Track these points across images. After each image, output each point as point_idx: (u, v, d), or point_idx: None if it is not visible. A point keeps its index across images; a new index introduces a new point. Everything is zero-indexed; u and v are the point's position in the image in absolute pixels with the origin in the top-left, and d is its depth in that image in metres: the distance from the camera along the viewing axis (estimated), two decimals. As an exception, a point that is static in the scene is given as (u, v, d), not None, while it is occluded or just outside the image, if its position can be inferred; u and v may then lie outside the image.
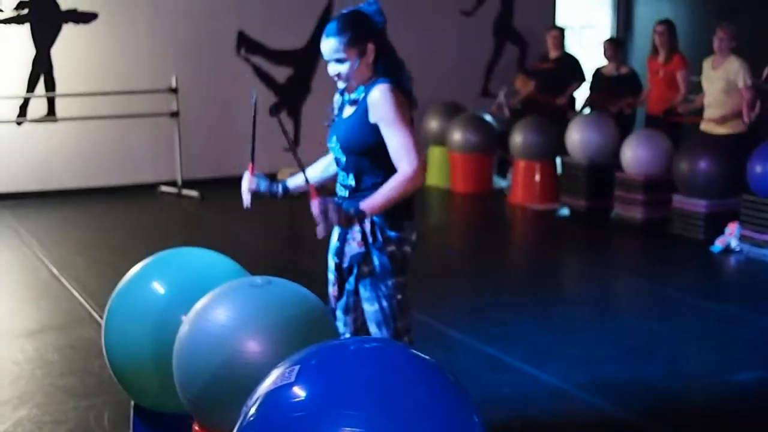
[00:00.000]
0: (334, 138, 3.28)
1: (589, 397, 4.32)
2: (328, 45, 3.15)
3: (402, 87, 3.18)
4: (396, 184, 3.11)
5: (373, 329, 3.26)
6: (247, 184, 3.40)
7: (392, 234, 3.20)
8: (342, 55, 3.14)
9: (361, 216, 3.11)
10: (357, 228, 3.18)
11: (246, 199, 3.41)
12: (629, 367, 4.69)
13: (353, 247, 3.19)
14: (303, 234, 7.61)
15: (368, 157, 3.18)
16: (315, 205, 3.07)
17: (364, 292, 3.24)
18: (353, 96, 3.23)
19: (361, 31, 3.15)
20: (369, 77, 3.19)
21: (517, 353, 4.82)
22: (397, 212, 3.20)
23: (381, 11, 3.22)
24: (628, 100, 8.73)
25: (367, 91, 3.17)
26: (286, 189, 3.48)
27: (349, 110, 3.25)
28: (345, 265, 3.25)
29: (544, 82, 9.62)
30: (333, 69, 3.19)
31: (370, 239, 3.18)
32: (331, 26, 3.16)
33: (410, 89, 3.24)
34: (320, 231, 3.07)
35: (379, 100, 3.11)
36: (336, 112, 3.35)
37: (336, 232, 3.31)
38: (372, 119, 3.14)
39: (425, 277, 5.79)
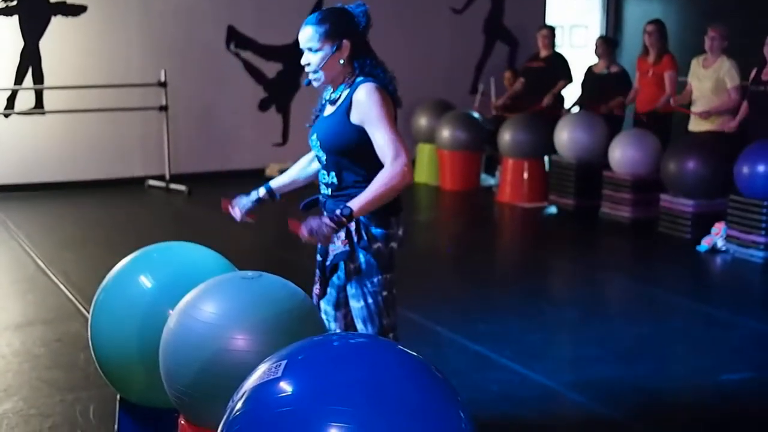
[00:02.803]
0: (315, 136, 3.26)
1: (576, 396, 4.33)
2: (305, 33, 3.17)
3: (385, 87, 3.16)
4: (384, 180, 3.04)
5: (359, 326, 3.25)
6: (236, 211, 3.53)
7: (378, 231, 3.18)
8: (316, 45, 3.14)
9: (349, 217, 3.03)
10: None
11: (237, 215, 3.55)
12: (616, 366, 4.70)
13: (338, 245, 3.18)
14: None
15: (348, 156, 3.16)
16: (303, 233, 3.03)
17: (351, 289, 3.23)
18: (334, 95, 3.22)
19: (339, 26, 3.14)
20: (345, 76, 3.18)
21: (505, 352, 4.82)
22: (382, 208, 3.16)
23: (367, 13, 3.20)
24: (618, 100, 8.69)
25: (352, 91, 3.14)
26: (270, 191, 3.52)
27: (330, 109, 3.24)
28: (329, 263, 3.24)
29: (533, 81, 9.62)
30: (305, 58, 3.20)
31: (355, 238, 3.16)
32: (312, 16, 3.18)
33: (394, 89, 3.21)
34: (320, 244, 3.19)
35: (365, 99, 3.09)
36: (318, 110, 3.34)
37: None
38: (354, 119, 3.11)
39: (413, 274, 5.79)
